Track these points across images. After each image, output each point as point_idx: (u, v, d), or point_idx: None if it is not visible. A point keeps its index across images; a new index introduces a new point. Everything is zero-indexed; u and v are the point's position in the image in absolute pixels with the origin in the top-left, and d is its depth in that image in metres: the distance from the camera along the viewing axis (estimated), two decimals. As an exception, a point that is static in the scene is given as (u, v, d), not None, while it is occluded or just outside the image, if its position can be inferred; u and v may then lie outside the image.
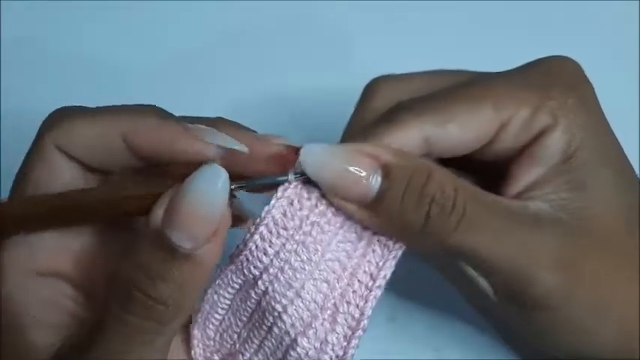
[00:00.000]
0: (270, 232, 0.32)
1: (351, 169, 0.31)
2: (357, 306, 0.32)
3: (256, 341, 0.34)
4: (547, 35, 0.54)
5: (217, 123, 0.33)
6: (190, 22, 0.58)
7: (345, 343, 0.32)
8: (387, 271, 0.32)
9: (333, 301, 0.32)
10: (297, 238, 0.32)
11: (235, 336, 0.35)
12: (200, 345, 0.36)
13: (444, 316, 0.46)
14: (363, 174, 0.31)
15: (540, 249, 0.32)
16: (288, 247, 0.32)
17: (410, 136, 0.33)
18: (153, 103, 0.34)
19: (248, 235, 0.32)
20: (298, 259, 0.32)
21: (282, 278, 0.32)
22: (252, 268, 0.32)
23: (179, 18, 0.58)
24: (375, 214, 0.31)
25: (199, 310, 0.35)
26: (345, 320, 0.32)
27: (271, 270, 0.32)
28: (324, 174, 0.31)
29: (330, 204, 0.32)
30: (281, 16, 0.58)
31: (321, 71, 0.55)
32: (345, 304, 0.32)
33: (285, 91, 0.55)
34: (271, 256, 0.32)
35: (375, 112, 0.36)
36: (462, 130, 0.33)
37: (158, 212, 0.30)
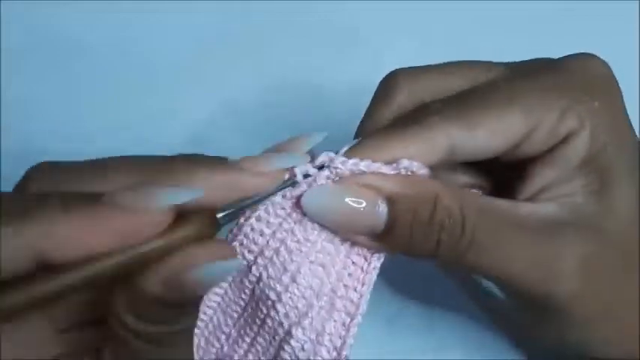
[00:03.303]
0: (268, 213, 0.31)
1: (355, 205, 0.30)
2: (355, 289, 0.31)
3: (247, 339, 0.33)
4: (547, 35, 0.54)
5: (176, 162, 0.29)
6: (190, 19, 0.58)
7: (344, 332, 0.31)
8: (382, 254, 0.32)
9: (329, 286, 0.31)
10: (294, 216, 0.31)
11: (223, 337, 0.34)
12: None
13: (444, 316, 0.46)
14: (368, 208, 0.30)
15: (557, 258, 0.32)
16: (285, 226, 0.31)
17: (437, 142, 0.32)
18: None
19: (243, 219, 0.31)
20: (295, 238, 0.31)
21: (277, 261, 0.31)
22: (246, 253, 0.31)
23: (179, 15, 0.58)
24: (386, 244, 0.31)
25: None
26: (344, 306, 0.31)
27: (266, 252, 0.31)
28: (330, 217, 0.31)
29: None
30: (281, 13, 0.58)
31: (321, 69, 0.55)
32: (343, 288, 0.31)
33: (286, 89, 0.55)
34: (267, 237, 0.31)
35: (397, 108, 0.35)
36: (490, 136, 0.32)
37: (156, 281, 0.26)
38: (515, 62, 0.36)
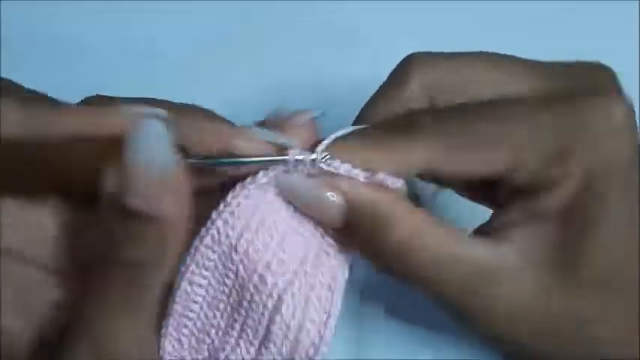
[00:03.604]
0: (257, 188, 0.32)
1: (319, 201, 0.32)
2: (335, 257, 0.33)
3: (237, 326, 0.33)
4: (547, 35, 0.54)
5: (184, 112, 0.33)
6: (190, 19, 0.58)
7: (330, 294, 0.32)
8: None
9: (313, 253, 0.33)
10: (276, 190, 0.33)
11: (213, 331, 0.34)
12: (173, 356, 0.34)
13: (444, 316, 0.46)
14: (330, 204, 0.32)
15: (491, 305, 0.33)
16: (269, 198, 0.32)
17: (414, 159, 0.32)
18: (152, 98, 0.34)
19: (230, 196, 0.32)
20: (277, 208, 0.33)
21: (264, 232, 0.32)
22: (229, 231, 0.32)
23: (179, 15, 0.58)
24: (344, 238, 0.33)
25: (169, 318, 0.34)
26: (328, 268, 0.33)
27: (252, 224, 0.32)
28: (298, 201, 0.33)
29: None
30: (281, 13, 0.58)
31: (321, 69, 0.55)
32: (325, 255, 0.33)
33: (286, 89, 0.55)
34: (252, 209, 0.32)
35: (404, 97, 0.35)
36: (470, 164, 0.32)
37: (109, 177, 0.29)
38: (543, 63, 0.35)
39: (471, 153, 0.32)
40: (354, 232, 0.33)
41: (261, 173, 0.32)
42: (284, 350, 0.32)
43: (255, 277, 0.32)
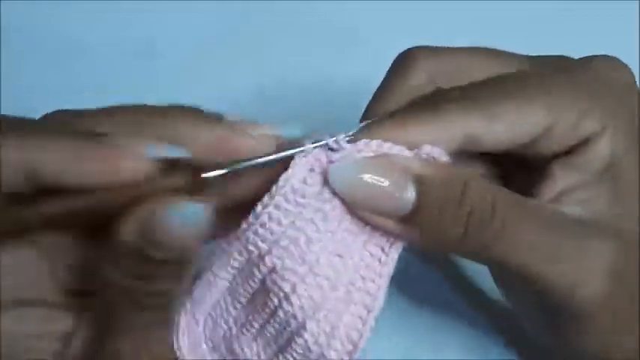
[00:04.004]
0: (287, 201, 0.30)
1: (381, 183, 0.29)
2: (373, 281, 0.30)
3: (256, 325, 0.32)
4: (547, 35, 0.54)
5: (170, 113, 0.30)
6: (190, 19, 0.58)
7: (361, 325, 0.30)
8: (399, 244, 0.31)
9: (346, 277, 0.30)
10: (316, 205, 0.30)
11: (231, 320, 0.33)
12: (186, 333, 0.33)
13: (445, 316, 0.46)
14: (395, 187, 0.29)
15: (585, 260, 0.31)
16: (305, 216, 0.30)
17: (454, 130, 0.31)
18: (150, 99, 0.31)
19: (260, 207, 0.30)
20: (314, 228, 0.29)
21: (294, 251, 0.29)
22: (259, 243, 0.30)
23: (179, 15, 0.58)
24: (410, 228, 0.30)
25: (188, 296, 0.33)
26: (361, 298, 0.30)
27: (283, 242, 0.30)
28: (356, 193, 0.30)
29: None
30: (281, 13, 0.58)
31: (321, 69, 0.55)
32: (360, 280, 0.30)
33: (285, 89, 0.55)
34: (285, 227, 0.30)
35: (412, 89, 0.34)
36: (509, 129, 0.31)
37: (130, 229, 0.27)
38: (540, 56, 0.36)
39: (509, 115, 0.31)
40: (425, 210, 0.30)
41: (284, 177, 0.30)
42: None
43: (281, 294, 0.30)
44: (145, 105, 0.30)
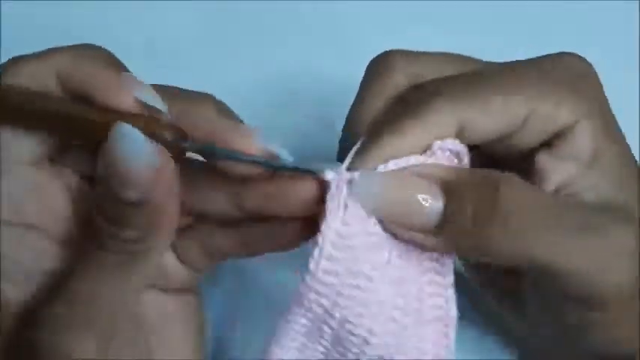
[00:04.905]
0: (337, 249, 0.28)
1: (412, 197, 0.29)
2: (440, 295, 0.30)
3: None
4: (547, 35, 0.54)
5: (201, 101, 0.34)
6: (189, 19, 0.58)
7: (445, 340, 0.30)
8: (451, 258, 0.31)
9: (415, 301, 0.29)
10: (364, 243, 0.29)
11: None
12: None
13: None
14: (424, 199, 0.29)
15: (614, 250, 0.30)
16: (359, 257, 0.28)
17: (446, 124, 0.31)
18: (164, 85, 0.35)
19: (313, 265, 0.29)
20: (369, 266, 0.29)
21: (359, 296, 0.28)
22: (322, 300, 0.29)
23: (179, 15, 0.58)
24: (442, 238, 0.30)
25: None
26: (435, 314, 0.30)
27: (345, 292, 0.28)
28: (384, 208, 0.30)
29: None
30: (281, 13, 0.58)
31: (321, 68, 0.55)
32: (427, 296, 0.30)
33: (285, 89, 0.55)
34: (343, 275, 0.28)
35: (391, 88, 0.34)
36: (495, 117, 0.31)
37: (100, 163, 0.30)
38: (507, 62, 0.36)
39: (496, 105, 0.31)
40: (453, 217, 0.29)
41: (325, 225, 0.28)
42: None
43: (359, 341, 0.29)
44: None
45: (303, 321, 0.30)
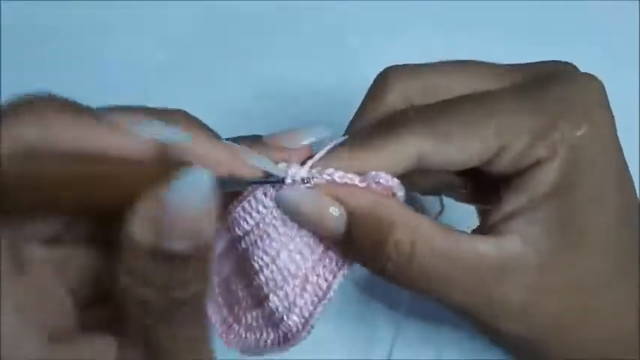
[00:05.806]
0: (251, 207, 0.34)
1: (319, 211, 0.33)
2: (326, 279, 0.35)
3: (246, 280, 0.37)
4: (547, 35, 0.54)
5: (175, 117, 0.30)
6: (187, 19, 0.58)
7: (312, 308, 0.35)
8: None
9: (304, 271, 0.34)
10: (275, 213, 0.34)
11: (238, 280, 0.37)
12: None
13: (445, 317, 0.46)
14: (332, 215, 0.32)
15: (504, 300, 0.32)
16: (267, 221, 0.34)
17: (404, 152, 0.32)
18: (146, 102, 0.31)
19: (239, 200, 0.34)
20: (276, 231, 0.34)
21: (260, 244, 0.34)
22: (243, 223, 0.35)
23: (178, 13, 0.58)
24: (345, 251, 0.34)
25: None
26: (313, 290, 0.35)
27: (252, 236, 0.35)
28: (299, 216, 0.33)
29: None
30: (279, 14, 0.58)
31: (319, 70, 0.55)
32: (315, 277, 0.35)
33: (283, 90, 0.55)
34: (252, 225, 0.35)
35: (387, 108, 0.35)
36: (459, 150, 0.32)
37: (138, 227, 0.25)
38: (523, 64, 0.36)
39: (458, 139, 0.32)
40: (354, 240, 0.33)
41: (259, 194, 0.34)
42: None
43: (256, 267, 0.35)
44: (149, 107, 0.30)
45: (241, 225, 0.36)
